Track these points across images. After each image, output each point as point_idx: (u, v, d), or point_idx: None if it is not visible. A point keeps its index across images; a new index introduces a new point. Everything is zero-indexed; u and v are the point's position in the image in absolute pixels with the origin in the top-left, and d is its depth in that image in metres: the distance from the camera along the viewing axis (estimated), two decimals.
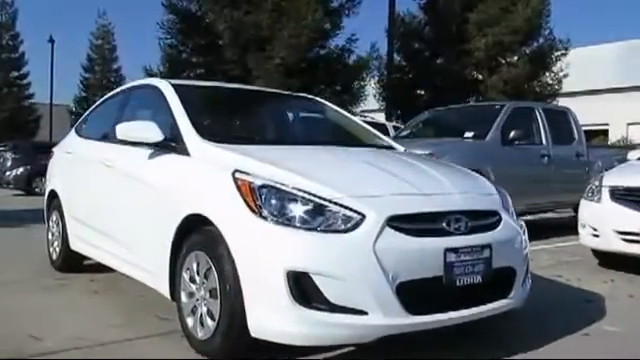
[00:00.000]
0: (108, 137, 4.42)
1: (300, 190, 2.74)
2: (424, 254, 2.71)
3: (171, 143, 3.49)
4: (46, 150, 20.58)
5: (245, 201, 2.76)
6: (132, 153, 3.81)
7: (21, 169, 17.84)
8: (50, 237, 5.43)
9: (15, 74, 37.52)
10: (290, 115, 4.62)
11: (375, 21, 43.96)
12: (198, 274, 3.01)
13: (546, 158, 8.09)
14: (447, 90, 16.12)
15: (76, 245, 4.88)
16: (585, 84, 22.35)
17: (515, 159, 7.57)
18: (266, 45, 13.39)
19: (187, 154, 3.36)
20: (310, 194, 2.71)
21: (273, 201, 2.73)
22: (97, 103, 5.29)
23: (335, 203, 2.69)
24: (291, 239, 2.64)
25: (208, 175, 3.11)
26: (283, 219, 2.68)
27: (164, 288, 3.35)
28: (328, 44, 15.55)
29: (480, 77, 18.02)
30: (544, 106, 9.68)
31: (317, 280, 2.55)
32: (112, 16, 54.31)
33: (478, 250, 2.86)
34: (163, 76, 16.12)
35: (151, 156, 3.60)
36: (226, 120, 4.23)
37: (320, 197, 2.70)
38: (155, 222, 3.39)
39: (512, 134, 7.62)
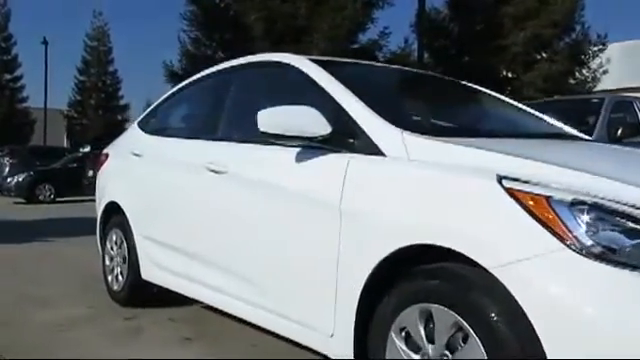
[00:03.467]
0: (209, 134, 3.32)
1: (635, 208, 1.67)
2: None
3: (347, 138, 2.39)
4: (45, 155, 20.01)
5: (545, 226, 1.68)
6: (266, 154, 2.73)
7: (23, 176, 16.65)
8: (108, 262, 4.30)
9: (8, 77, 36.10)
10: (471, 103, 3.50)
11: (397, 17, 43.02)
12: (432, 342, 1.91)
13: None
14: None
15: (152, 274, 3.76)
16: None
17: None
18: (303, 37, 12.28)
19: (376, 152, 2.27)
20: None
21: (602, 226, 1.65)
22: (174, 91, 4.12)
23: None
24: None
25: (440, 184, 2.01)
26: (623, 257, 1.60)
27: (341, 352, 2.25)
28: (359, 39, 14.48)
29: (510, 75, 17.06)
30: None
31: None
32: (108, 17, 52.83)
33: None
34: (183, 73, 14.99)
35: (307, 157, 2.49)
36: (407, 107, 3.09)
37: None
38: (328, 256, 2.29)
39: (619, 131, 6.59)
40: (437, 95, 3.31)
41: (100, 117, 39.16)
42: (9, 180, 16.92)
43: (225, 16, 14.00)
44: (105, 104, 39.85)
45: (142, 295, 3.99)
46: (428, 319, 1.93)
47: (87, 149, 22.37)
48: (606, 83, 21.03)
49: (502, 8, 15.88)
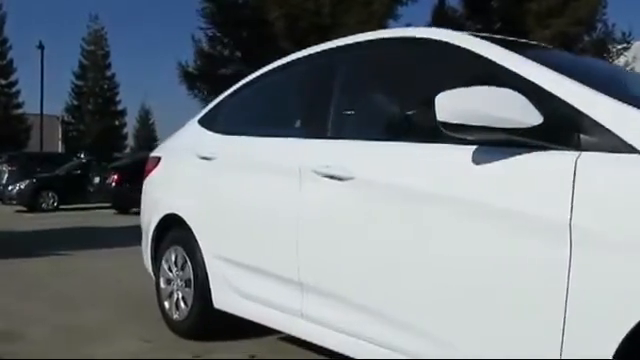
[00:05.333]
0: (313, 130, 2.65)
1: None
2: None
3: (565, 130, 1.73)
4: (45, 161, 19.31)
5: None
6: (428, 154, 2.07)
7: (25, 183, 15.89)
8: (164, 285, 3.61)
9: (3, 82, 35.29)
10: None
11: (413, 15, 42.42)
12: None
13: None
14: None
15: (228, 302, 3.09)
16: None
17: None
18: (328, 34, 11.57)
19: (619, 149, 1.61)
20: None
21: None
22: (249, 80, 3.38)
23: None
24: None
25: None
26: None
27: None
28: None
29: None
30: None
31: None
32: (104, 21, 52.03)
33: None
34: (198, 74, 14.31)
35: (502, 156, 1.81)
36: (625, 92, 2.38)
37: None
38: (550, 293, 1.63)
39: None
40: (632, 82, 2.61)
41: (97, 122, 38.43)
42: (10, 188, 16.15)
43: (243, 13, 13.26)
44: (102, 109, 39.13)
45: (211, 326, 3.32)
46: None
47: (81, 155, 21.68)
48: None
49: (525, 5, 15.29)
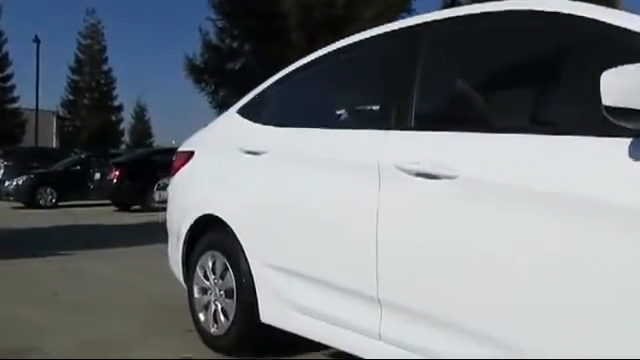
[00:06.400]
0: (394, 121, 2.25)
1: None
2: None
3: None
4: (41, 157, 18.86)
5: None
6: (574, 149, 1.69)
7: (22, 179, 15.43)
8: (199, 295, 3.22)
9: None
10: None
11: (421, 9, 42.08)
12: None
13: None
14: None
15: (279, 317, 2.70)
16: None
17: None
18: (342, 27, 11.14)
19: None
20: None
21: None
22: (301, 65, 2.93)
23: None
24: None
25: None
26: None
27: None
28: None
29: None
30: None
31: None
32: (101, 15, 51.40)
33: None
34: (204, 67, 13.84)
35: None
36: None
37: None
38: None
39: None
40: None
41: (93, 118, 37.91)
42: (7, 184, 15.67)
43: (254, 4, 12.76)
44: (99, 104, 38.59)
45: (256, 342, 2.94)
46: None
47: (77, 152, 21.18)
48: None
49: None
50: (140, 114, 51.60)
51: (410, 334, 2.08)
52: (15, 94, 35.37)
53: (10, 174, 16.70)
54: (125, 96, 65.98)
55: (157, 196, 12.30)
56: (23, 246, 7.46)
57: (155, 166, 13.86)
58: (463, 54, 2.28)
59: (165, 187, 12.31)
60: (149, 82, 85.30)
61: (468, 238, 1.90)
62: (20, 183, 15.33)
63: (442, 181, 1.96)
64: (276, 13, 12.10)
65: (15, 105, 35.18)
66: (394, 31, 2.49)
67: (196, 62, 13.42)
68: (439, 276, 1.98)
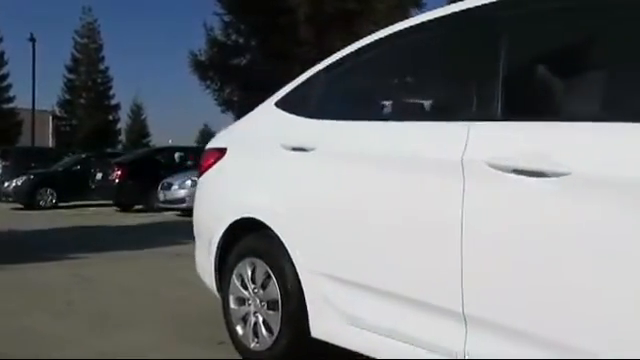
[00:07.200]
0: (476, 111, 1.99)
1: None
2: None
3: None
4: (39, 157, 18.56)
5: None
6: None
7: (22, 179, 15.12)
8: (235, 306, 2.93)
9: None
10: None
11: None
12: None
13: None
14: None
15: (333, 332, 2.42)
16: None
17: None
18: (354, 21, 10.83)
19: None
20: None
21: None
22: (354, 50, 2.57)
23: None
24: None
25: None
26: None
27: None
28: None
29: None
30: None
31: None
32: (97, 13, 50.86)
33: None
34: (209, 64, 13.51)
35: None
36: None
37: None
38: None
39: None
40: None
41: (90, 117, 37.54)
42: (7, 184, 15.36)
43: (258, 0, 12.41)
44: (95, 103, 38.23)
45: (304, 356, 2.66)
46: None
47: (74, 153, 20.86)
48: None
49: None
50: (137, 113, 51.17)
51: (501, 354, 1.81)
52: (11, 94, 35.04)
53: (8, 174, 16.41)
54: (122, 95, 65.64)
55: (161, 196, 12.03)
56: (28, 250, 7.18)
57: (158, 165, 13.60)
58: (555, 33, 1.98)
59: (169, 187, 12.19)
60: (146, 81, 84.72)
61: (586, 244, 1.62)
62: (19, 184, 15.04)
63: (550, 179, 1.68)
64: (284, 7, 11.76)
65: (11, 105, 34.84)
66: (476, 7, 2.16)
67: (201, 58, 13.10)
68: (543, 291, 1.71)
